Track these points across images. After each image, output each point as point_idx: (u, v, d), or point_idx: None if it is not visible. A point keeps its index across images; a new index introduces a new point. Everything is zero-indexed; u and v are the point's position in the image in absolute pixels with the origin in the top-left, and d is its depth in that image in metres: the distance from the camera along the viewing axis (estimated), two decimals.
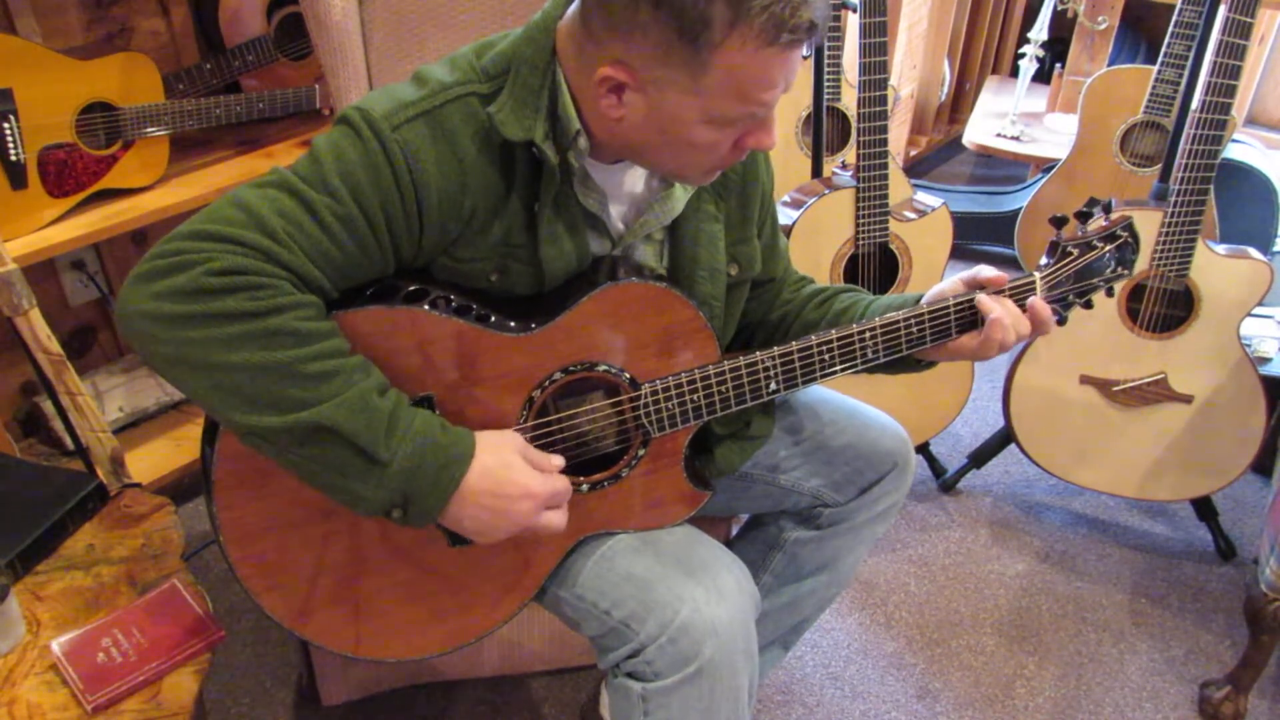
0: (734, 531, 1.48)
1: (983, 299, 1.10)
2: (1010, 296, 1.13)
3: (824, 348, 1.09)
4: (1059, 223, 1.16)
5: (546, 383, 1.03)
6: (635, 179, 1.07)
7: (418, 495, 0.91)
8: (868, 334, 1.10)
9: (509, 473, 0.95)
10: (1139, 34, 3.48)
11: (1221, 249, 1.76)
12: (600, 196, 1.03)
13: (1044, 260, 1.17)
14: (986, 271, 1.13)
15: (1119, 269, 1.19)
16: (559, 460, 1.00)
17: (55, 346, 1.31)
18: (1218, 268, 1.75)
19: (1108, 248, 1.17)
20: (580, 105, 0.97)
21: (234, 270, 0.85)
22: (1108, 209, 1.18)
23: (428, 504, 0.92)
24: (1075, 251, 1.16)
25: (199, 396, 0.88)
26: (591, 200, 1.02)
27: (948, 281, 1.14)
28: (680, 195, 1.07)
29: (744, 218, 1.14)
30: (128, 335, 0.87)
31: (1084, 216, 1.16)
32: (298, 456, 0.88)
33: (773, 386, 1.09)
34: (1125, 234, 1.18)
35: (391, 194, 0.92)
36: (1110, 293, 1.22)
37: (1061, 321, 1.21)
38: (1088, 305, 1.20)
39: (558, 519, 0.99)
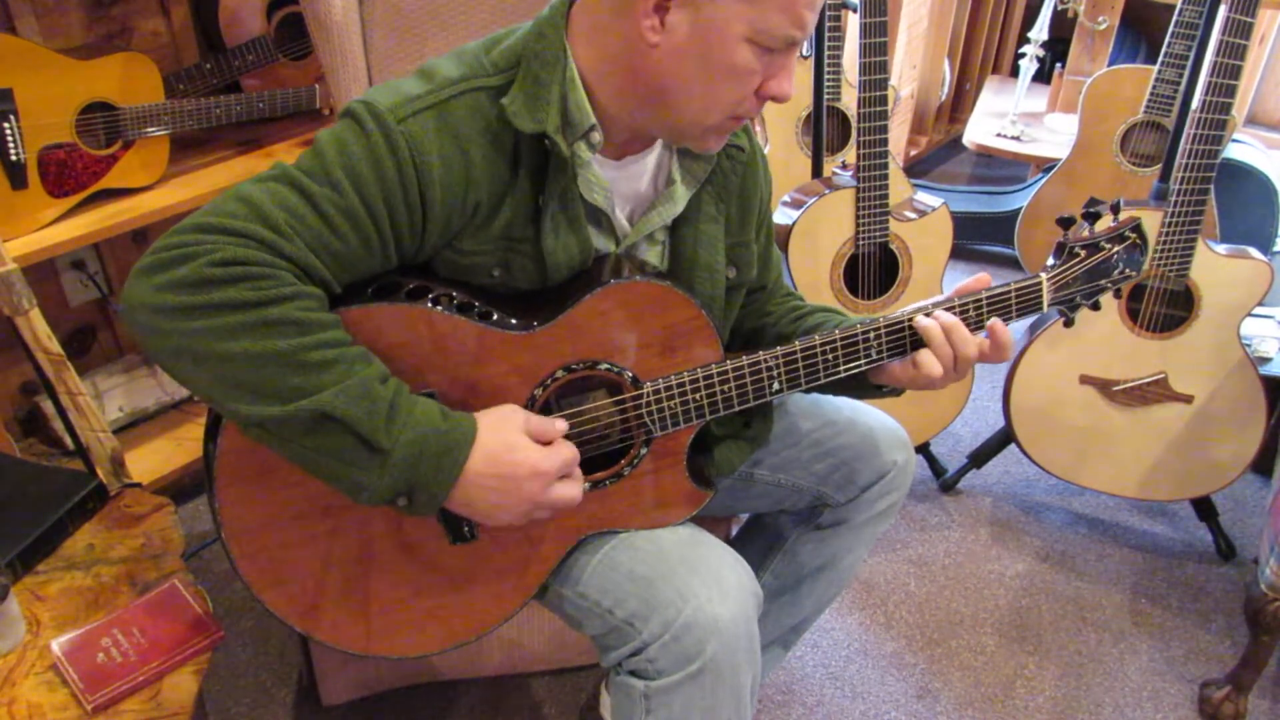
0: (734, 531, 1.48)
1: (921, 321, 1.09)
2: (1016, 298, 1.12)
3: (827, 348, 1.09)
4: (1066, 223, 1.15)
5: (548, 381, 1.03)
6: (641, 177, 1.07)
7: (421, 482, 0.91)
8: (871, 334, 1.10)
9: (512, 453, 0.94)
10: (1139, 34, 3.48)
11: (1222, 249, 1.76)
12: (606, 192, 1.03)
13: (1050, 261, 1.17)
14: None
15: (1127, 270, 1.18)
16: (562, 424, 1.00)
17: (55, 346, 1.30)
18: (1218, 268, 1.75)
19: (1116, 249, 1.16)
20: (594, 92, 0.97)
21: (236, 261, 0.85)
22: (1116, 209, 1.17)
23: (432, 490, 0.91)
24: (1083, 253, 1.16)
25: (202, 389, 0.88)
26: (597, 195, 1.02)
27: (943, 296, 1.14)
28: (681, 194, 1.07)
29: (743, 222, 1.15)
30: (132, 328, 0.88)
31: (1092, 217, 1.16)
32: (301, 447, 0.88)
33: (775, 386, 1.09)
34: (1133, 235, 1.17)
35: (394, 187, 0.92)
36: (1118, 293, 1.21)
37: (1069, 323, 1.20)
38: (1095, 307, 1.19)
39: (571, 490, 0.99)
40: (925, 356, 1.09)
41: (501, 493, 0.94)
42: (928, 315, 1.10)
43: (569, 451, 0.99)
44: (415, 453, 0.90)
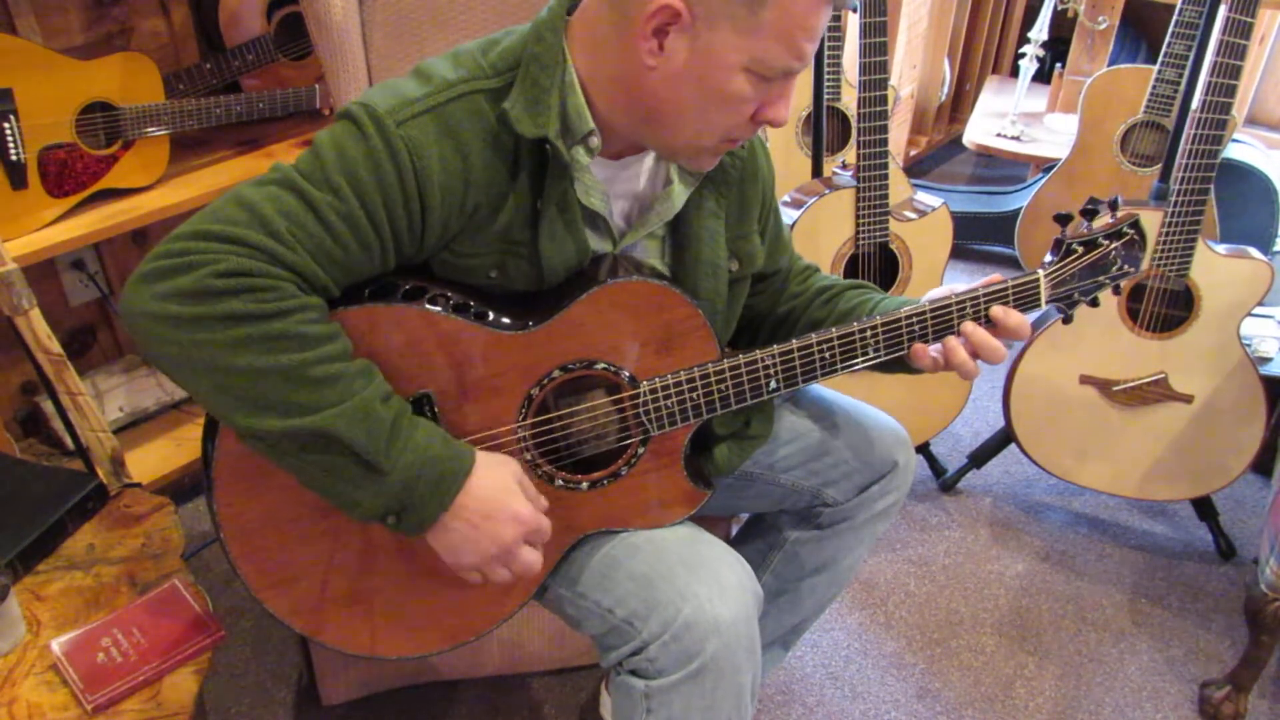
0: (734, 531, 1.48)
1: (954, 348, 1.11)
2: (1014, 294, 1.13)
3: (824, 346, 1.09)
4: (1064, 220, 1.14)
5: (545, 380, 1.03)
6: (639, 176, 1.07)
7: (413, 505, 0.92)
8: (869, 332, 1.10)
9: (505, 495, 0.96)
10: (1139, 34, 3.48)
11: (1222, 249, 1.76)
12: (604, 195, 1.03)
13: (1048, 258, 1.16)
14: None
15: (1125, 267, 1.17)
16: (544, 502, 1.02)
17: (55, 346, 1.30)
18: (1218, 267, 1.75)
19: (1114, 245, 1.16)
20: (593, 99, 0.97)
21: (239, 272, 0.85)
22: (1114, 206, 1.16)
23: (423, 514, 0.93)
24: (1080, 249, 1.15)
25: (201, 396, 0.88)
26: (595, 199, 1.02)
27: (945, 288, 1.14)
28: (679, 193, 1.07)
29: (744, 213, 1.14)
30: (132, 333, 0.88)
31: (1090, 214, 1.15)
32: (298, 460, 0.89)
33: (773, 385, 1.09)
34: (1132, 231, 1.16)
35: (394, 190, 0.92)
36: (1117, 290, 1.21)
37: (1067, 320, 1.20)
38: (1094, 304, 1.19)
39: (533, 557, 1.00)
40: (957, 365, 1.11)
41: (481, 529, 0.95)
42: (957, 334, 1.11)
43: (546, 524, 1.01)
44: (412, 476, 0.91)
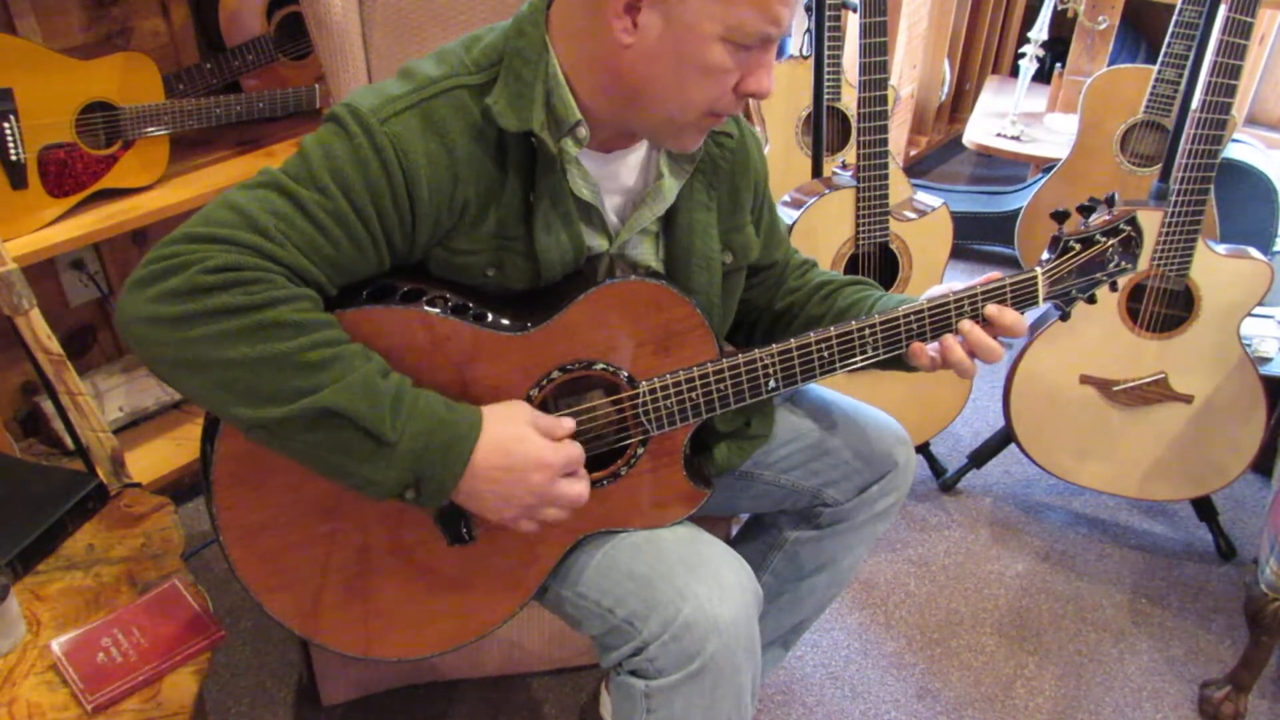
0: (734, 531, 1.48)
1: (950, 344, 1.11)
2: (1011, 293, 1.13)
3: (823, 345, 1.09)
4: (1060, 217, 1.15)
5: (544, 381, 1.03)
6: (630, 171, 1.07)
7: (429, 473, 0.91)
8: (867, 331, 1.10)
9: (521, 445, 0.95)
10: (1139, 34, 3.48)
11: (1222, 249, 1.76)
12: (595, 187, 1.03)
13: (1046, 255, 1.17)
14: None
15: (1123, 264, 1.18)
16: (569, 423, 1.00)
17: (55, 346, 1.30)
18: (1218, 267, 1.75)
19: (1111, 242, 1.16)
20: (576, 88, 0.97)
21: (228, 267, 0.85)
22: (1111, 202, 1.17)
23: (440, 481, 0.92)
24: (1078, 246, 1.16)
25: (203, 396, 0.88)
26: (586, 190, 1.02)
27: (944, 286, 1.14)
28: (670, 187, 1.07)
29: (736, 205, 1.15)
30: (129, 341, 0.88)
31: (1086, 211, 1.16)
32: (304, 444, 0.88)
33: (771, 384, 1.09)
34: (1128, 228, 1.17)
35: (381, 188, 0.92)
36: (1114, 287, 1.21)
37: (1064, 317, 1.20)
38: (1091, 300, 1.20)
39: (577, 487, 0.99)
40: (954, 364, 1.12)
41: (507, 484, 0.94)
42: (954, 332, 1.11)
43: (575, 449, 0.99)
44: (421, 444, 0.90)
